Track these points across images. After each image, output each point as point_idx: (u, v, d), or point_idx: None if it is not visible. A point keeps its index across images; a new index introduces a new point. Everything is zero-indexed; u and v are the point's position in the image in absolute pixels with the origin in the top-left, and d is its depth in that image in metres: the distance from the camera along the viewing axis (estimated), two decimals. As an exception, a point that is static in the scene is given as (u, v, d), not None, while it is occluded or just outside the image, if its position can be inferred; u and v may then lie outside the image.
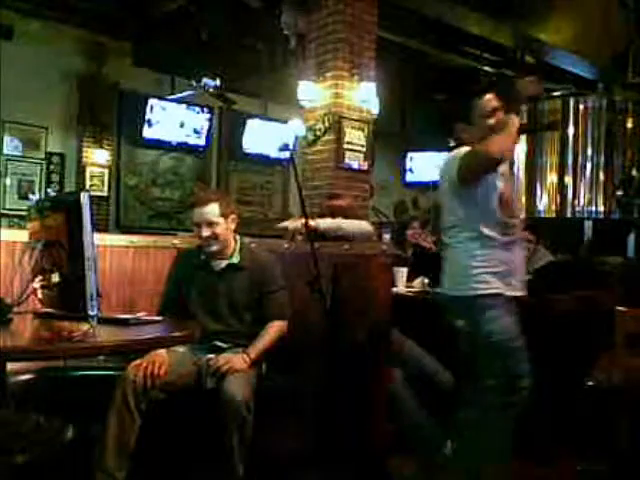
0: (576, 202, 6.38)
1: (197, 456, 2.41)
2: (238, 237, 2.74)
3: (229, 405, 2.31)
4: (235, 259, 2.70)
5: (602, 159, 6.33)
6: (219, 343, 2.61)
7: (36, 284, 1.93)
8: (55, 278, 1.86)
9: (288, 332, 2.68)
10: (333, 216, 3.35)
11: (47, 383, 2.46)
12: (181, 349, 2.54)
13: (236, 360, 2.47)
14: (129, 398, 2.31)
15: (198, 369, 2.54)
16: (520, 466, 3.15)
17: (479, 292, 2.45)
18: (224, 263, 2.69)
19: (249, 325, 2.66)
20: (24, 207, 6.20)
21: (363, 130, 5.42)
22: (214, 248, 2.65)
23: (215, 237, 2.63)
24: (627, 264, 5.23)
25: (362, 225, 3.42)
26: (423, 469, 3.02)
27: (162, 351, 2.42)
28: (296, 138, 5.68)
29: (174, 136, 7.96)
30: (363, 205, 5.42)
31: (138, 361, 2.38)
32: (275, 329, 2.64)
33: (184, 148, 8.23)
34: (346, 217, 3.37)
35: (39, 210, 2.07)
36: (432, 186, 9.95)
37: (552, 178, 6.50)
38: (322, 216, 3.40)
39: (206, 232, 2.62)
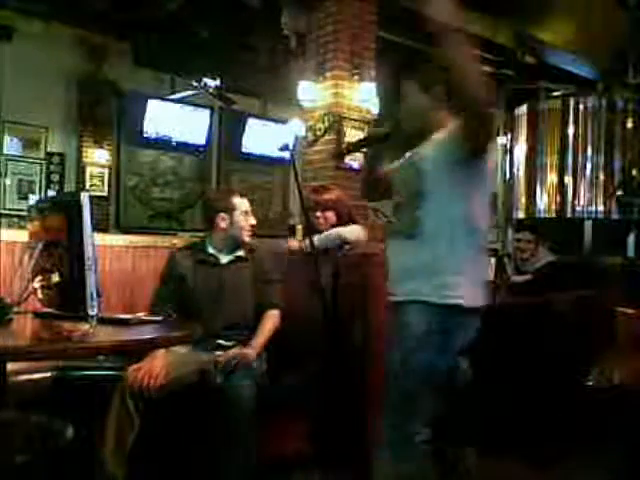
0: (576, 202, 6.38)
1: (198, 455, 2.40)
2: None
3: (235, 401, 2.33)
4: (241, 252, 2.77)
5: (602, 159, 6.33)
6: (222, 342, 2.62)
7: (36, 284, 1.93)
8: (55, 278, 1.86)
9: (288, 332, 2.71)
10: (324, 211, 3.24)
11: (47, 383, 2.46)
12: (183, 349, 2.55)
13: (244, 354, 2.51)
14: (127, 402, 2.31)
15: (201, 368, 2.54)
16: (519, 468, 3.15)
17: None
18: (231, 256, 2.75)
19: (251, 317, 2.70)
20: (24, 207, 6.21)
21: (363, 130, 5.42)
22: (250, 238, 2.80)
23: None
24: (627, 264, 5.22)
25: (354, 231, 3.21)
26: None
27: (161, 352, 2.42)
28: (296, 138, 5.68)
29: (174, 136, 7.95)
30: (363, 205, 5.41)
31: (136, 366, 2.38)
32: (272, 320, 2.70)
33: (184, 148, 8.23)
34: (337, 211, 3.24)
35: (39, 210, 2.06)
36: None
37: (552, 178, 6.50)
38: (312, 210, 3.26)
39: (254, 220, 2.78)
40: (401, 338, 1.99)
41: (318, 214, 3.21)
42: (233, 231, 2.72)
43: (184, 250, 2.84)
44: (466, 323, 1.98)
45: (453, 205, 1.96)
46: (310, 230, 2.81)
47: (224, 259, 2.74)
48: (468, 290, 1.94)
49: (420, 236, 1.96)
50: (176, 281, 2.70)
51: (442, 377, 1.97)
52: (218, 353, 2.56)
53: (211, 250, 2.74)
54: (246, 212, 2.73)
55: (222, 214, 2.71)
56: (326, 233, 3.13)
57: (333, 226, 3.19)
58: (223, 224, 2.71)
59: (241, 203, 2.74)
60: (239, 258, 2.75)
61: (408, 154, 2.15)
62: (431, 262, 1.94)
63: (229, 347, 2.60)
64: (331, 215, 3.22)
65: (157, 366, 2.38)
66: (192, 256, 2.74)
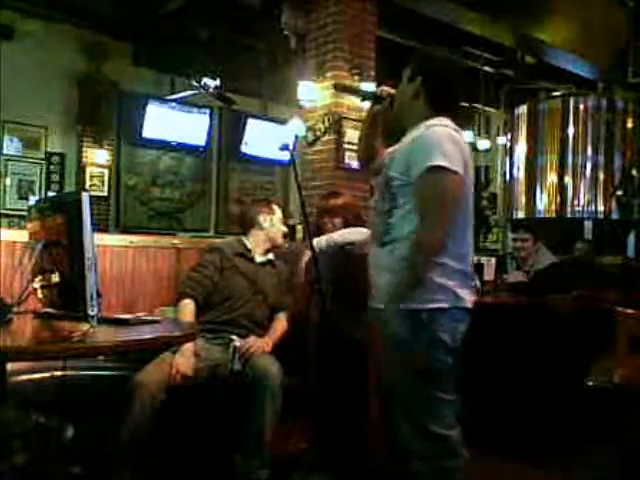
0: (576, 202, 6.38)
1: (209, 451, 2.41)
2: None
3: (262, 380, 2.47)
4: (272, 255, 3.01)
5: (602, 159, 6.33)
6: (234, 337, 2.72)
7: (36, 284, 1.93)
8: (55, 278, 1.86)
9: (288, 332, 2.86)
10: (331, 217, 3.24)
11: (47, 383, 2.46)
12: (200, 341, 2.65)
13: (261, 343, 2.69)
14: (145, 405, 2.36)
15: (209, 364, 2.64)
16: (519, 468, 3.16)
17: None
18: (265, 258, 2.96)
19: (266, 317, 2.88)
20: (24, 207, 6.20)
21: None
22: None
23: None
24: (627, 264, 5.23)
25: (357, 233, 3.22)
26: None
27: (188, 346, 2.53)
28: (296, 138, 5.67)
29: (174, 136, 7.94)
30: (363, 205, 5.41)
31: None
32: (283, 322, 2.90)
33: (184, 148, 8.22)
34: (344, 217, 3.24)
35: (39, 210, 2.06)
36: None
37: (552, 178, 6.50)
38: (319, 215, 3.29)
39: (285, 228, 3.11)
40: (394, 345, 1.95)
41: (326, 220, 3.24)
42: (271, 233, 2.97)
43: (225, 244, 3.02)
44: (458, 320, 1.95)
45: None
46: (309, 230, 2.81)
47: (258, 258, 2.94)
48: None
49: (390, 244, 1.94)
50: (214, 268, 2.83)
51: (438, 374, 1.95)
52: (236, 341, 2.67)
53: (249, 246, 2.94)
54: (280, 220, 3.04)
55: (264, 215, 2.97)
56: (324, 236, 3.12)
57: None
58: (265, 224, 2.96)
59: (278, 211, 3.07)
60: (270, 261, 2.99)
61: (391, 149, 2.13)
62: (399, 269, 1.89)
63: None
64: (339, 221, 3.23)
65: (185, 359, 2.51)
66: (232, 249, 2.91)
